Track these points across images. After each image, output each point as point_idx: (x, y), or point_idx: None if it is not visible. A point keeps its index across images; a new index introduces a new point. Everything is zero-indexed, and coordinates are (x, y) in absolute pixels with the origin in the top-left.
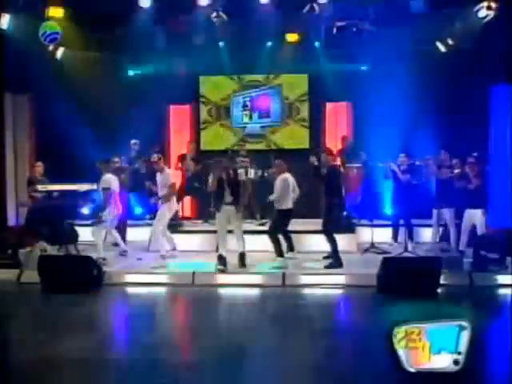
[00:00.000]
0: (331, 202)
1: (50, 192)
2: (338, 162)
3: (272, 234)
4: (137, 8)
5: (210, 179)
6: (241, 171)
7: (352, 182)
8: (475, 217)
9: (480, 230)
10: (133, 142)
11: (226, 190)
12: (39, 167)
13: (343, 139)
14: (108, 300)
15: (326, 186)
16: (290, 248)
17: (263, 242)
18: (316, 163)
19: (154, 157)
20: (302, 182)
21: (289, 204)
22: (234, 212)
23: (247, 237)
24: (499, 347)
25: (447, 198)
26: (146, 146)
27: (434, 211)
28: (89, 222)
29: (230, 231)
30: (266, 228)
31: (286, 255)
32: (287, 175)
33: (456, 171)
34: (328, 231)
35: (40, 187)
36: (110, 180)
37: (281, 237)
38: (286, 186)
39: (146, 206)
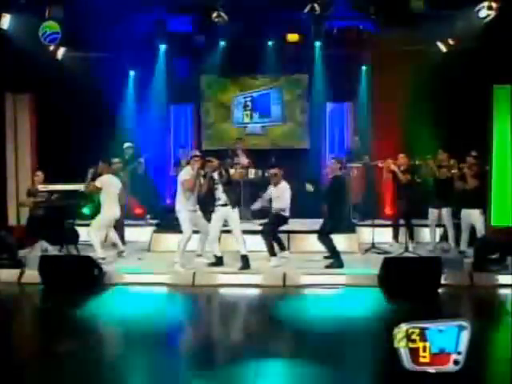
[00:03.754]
0: (333, 211)
1: (50, 192)
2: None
3: (265, 234)
4: (137, 8)
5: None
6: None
7: (353, 182)
8: (472, 217)
9: (479, 230)
10: (126, 145)
11: (219, 189)
12: (38, 176)
13: (349, 138)
14: (109, 300)
15: (329, 196)
16: (282, 248)
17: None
18: (312, 189)
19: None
20: (301, 181)
21: (287, 212)
22: (229, 212)
23: (247, 237)
24: (499, 347)
25: (445, 198)
26: (147, 147)
27: (431, 210)
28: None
29: (228, 231)
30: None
31: (279, 254)
32: (284, 183)
33: (453, 171)
34: (324, 240)
35: (41, 187)
36: (111, 180)
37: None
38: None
39: (145, 207)
